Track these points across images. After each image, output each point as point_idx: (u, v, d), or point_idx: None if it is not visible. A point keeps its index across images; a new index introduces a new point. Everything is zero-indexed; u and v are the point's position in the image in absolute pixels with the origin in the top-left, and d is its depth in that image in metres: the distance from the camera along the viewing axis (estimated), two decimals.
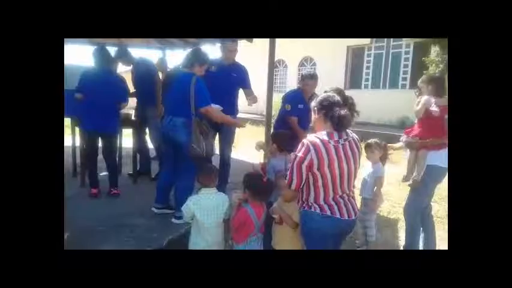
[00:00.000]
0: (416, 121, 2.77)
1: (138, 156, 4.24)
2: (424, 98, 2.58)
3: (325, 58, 12.80)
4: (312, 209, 1.87)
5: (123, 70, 4.95)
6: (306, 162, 1.79)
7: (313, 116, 1.96)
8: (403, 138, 2.79)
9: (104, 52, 3.53)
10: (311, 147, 1.79)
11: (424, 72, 6.90)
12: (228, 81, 3.48)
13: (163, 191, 3.13)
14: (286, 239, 2.20)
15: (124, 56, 3.99)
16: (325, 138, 1.82)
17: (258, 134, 8.44)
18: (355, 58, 12.57)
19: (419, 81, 2.78)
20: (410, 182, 2.73)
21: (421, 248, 2.76)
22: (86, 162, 3.71)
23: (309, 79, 3.51)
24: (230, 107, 3.55)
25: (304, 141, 1.83)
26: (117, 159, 3.88)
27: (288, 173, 1.88)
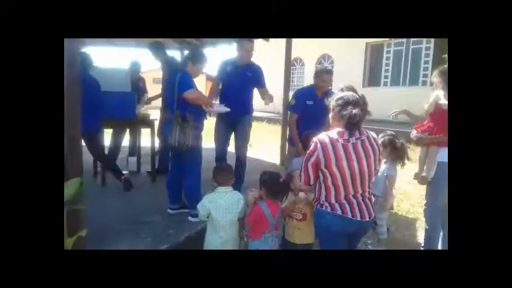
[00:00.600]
0: (426, 116, 2.70)
1: (156, 155, 4.32)
2: (435, 92, 2.52)
3: (343, 55, 12.64)
4: (323, 208, 1.88)
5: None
6: (312, 160, 1.82)
7: (330, 114, 1.96)
8: (413, 133, 2.72)
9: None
10: (318, 145, 1.80)
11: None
12: (243, 80, 3.49)
13: (173, 189, 3.15)
14: (299, 231, 2.26)
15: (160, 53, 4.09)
16: (335, 136, 1.81)
17: (275, 132, 8.46)
18: (374, 55, 12.35)
19: (432, 76, 2.70)
20: (419, 180, 2.68)
21: (439, 247, 2.70)
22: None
23: (324, 74, 3.43)
24: (245, 106, 3.57)
25: (314, 138, 1.85)
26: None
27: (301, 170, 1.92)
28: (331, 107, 1.94)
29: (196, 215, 2.82)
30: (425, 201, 2.78)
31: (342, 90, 2.78)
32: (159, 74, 4.38)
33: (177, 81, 2.84)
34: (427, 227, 2.76)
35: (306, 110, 3.44)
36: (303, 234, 2.27)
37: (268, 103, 3.56)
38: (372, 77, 12.38)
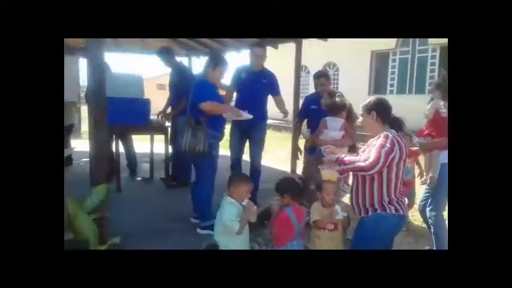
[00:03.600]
0: (425, 123, 2.90)
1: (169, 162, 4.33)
2: (433, 101, 2.75)
3: (349, 63, 12.68)
4: (388, 211, 1.92)
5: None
6: (392, 154, 1.86)
7: (365, 117, 2.03)
8: (415, 139, 2.87)
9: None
10: (395, 142, 1.88)
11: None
12: (258, 87, 3.51)
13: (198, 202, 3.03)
14: (332, 241, 2.25)
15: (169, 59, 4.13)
16: (397, 135, 1.95)
17: (282, 139, 8.46)
18: (380, 63, 12.39)
19: (429, 90, 2.91)
20: (428, 182, 2.77)
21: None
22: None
23: (317, 78, 3.56)
24: (260, 113, 3.58)
25: (388, 134, 1.91)
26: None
27: (375, 154, 1.84)
28: (368, 110, 2.01)
29: (206, 227, 2.79)
30: (428, 204, 2.79)
31: (339, 95, 3.08)
32: (163, 80, 4.42)
33: (194, 86, 2.81)
34: (434, 229, 2.75)
35: (310, 114, 3.54)
36: (334, 245, 2.24)
37: (287, 115, 3.65)
38: (378, 85, 12.41)
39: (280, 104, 3.66)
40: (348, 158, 1.98)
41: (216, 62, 2.92)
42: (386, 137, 1.88)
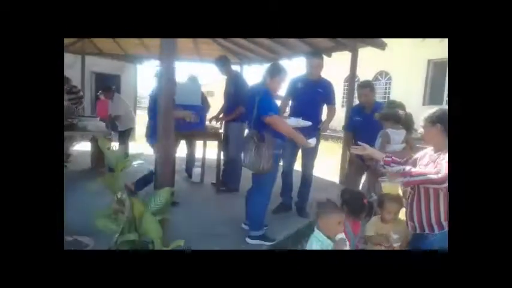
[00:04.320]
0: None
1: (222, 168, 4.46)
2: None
3: (402, 72, 12.16)
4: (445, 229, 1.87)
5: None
6: None
7: (428, 129, 1.94)
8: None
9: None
10: None
11: None
12: (314, 96, 3.51)
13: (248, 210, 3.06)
14: None
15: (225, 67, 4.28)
16: None
17: (329, 148, 8.31)
18: (437, 72, 11.75)
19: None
20: None
21: None
22: None
23: (361, 88, 3.42)
24: (315, 122, 3.57)
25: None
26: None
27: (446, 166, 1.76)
28: (433, 122, 1.91)
29: (255, 237, 2.81)
30: None
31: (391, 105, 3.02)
32: (211, 87, 4.55)
33: (258, 100, 2.77)
34: None
35: (357, 126, 3.49)
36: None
37: (325, 131, 3.65)
38: (434, 95, 11.76)
39: (330, 113, 3.68)
40: (415, 170, 1.90)
41: (276, 71, 2.88)
42: None
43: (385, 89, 13.29)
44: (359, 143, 2.37)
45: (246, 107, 3.10)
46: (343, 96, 10.94)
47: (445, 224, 1.88)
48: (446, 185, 1.74)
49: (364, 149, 2.29)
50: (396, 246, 2.14)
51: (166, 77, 2.16)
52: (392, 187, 2.16)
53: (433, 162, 1.90)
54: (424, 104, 11.20)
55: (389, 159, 2.18)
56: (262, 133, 2.73)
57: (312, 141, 2.98)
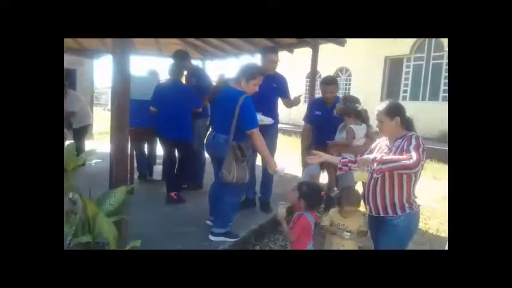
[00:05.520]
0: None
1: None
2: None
3: (361, 69, 12.60)
4: (414, 209, 2.04)
5: None
6: (425, 154, 1.96)
7: (386, 122, 2.06)
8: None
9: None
10: (421, 143, 1.97)
11: None
12: (269, 91, 3.49)
13: (214, 206, 3.03)
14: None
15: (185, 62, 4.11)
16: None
17: (291, 143, 8.42)
18: (393, 69, 12.28)
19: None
20: None
21: None
22: (165, 168, 3.93)
23: (324, 84, 3.49)
24: (271, 117, 3.58)
25: (418, 136, 2.02)
26: (191, 167, 3.97)
27: (415, 152, 1.89)
28: (391, 115, 2.04)
29: (219, 234, 2.76)
30: None
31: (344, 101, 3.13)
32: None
33: (237, 108, 2.56)
34: None
35: (315, 121, 3.53)
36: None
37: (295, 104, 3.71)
38: (391, 91, 12.29)
39: (288, 103, 3.73)
40: (387, 157, 1.98)
41: (253, 74, 2.68)
42: (418, 138, 1.98)
43: (346, 85, 13.69)
44: (313, 151, 2.46)
45: (218, 112, 2.89)
46: (306, 92, 11.11)
47: (407, 205, 2.00)
48: (417, 169, 1.87)
49: (320, 157, 2.39)
50: (347, 238, 2.24)
51: (120, 71, 2.06)
52: (363, 175, 2.24)
53: (398, 150, 1.98)
54: (381, 99, 11.68)
55: (345, 160, 2.34)
56: (241, 146, 2.64)
57: (281, 170, 2.75)
